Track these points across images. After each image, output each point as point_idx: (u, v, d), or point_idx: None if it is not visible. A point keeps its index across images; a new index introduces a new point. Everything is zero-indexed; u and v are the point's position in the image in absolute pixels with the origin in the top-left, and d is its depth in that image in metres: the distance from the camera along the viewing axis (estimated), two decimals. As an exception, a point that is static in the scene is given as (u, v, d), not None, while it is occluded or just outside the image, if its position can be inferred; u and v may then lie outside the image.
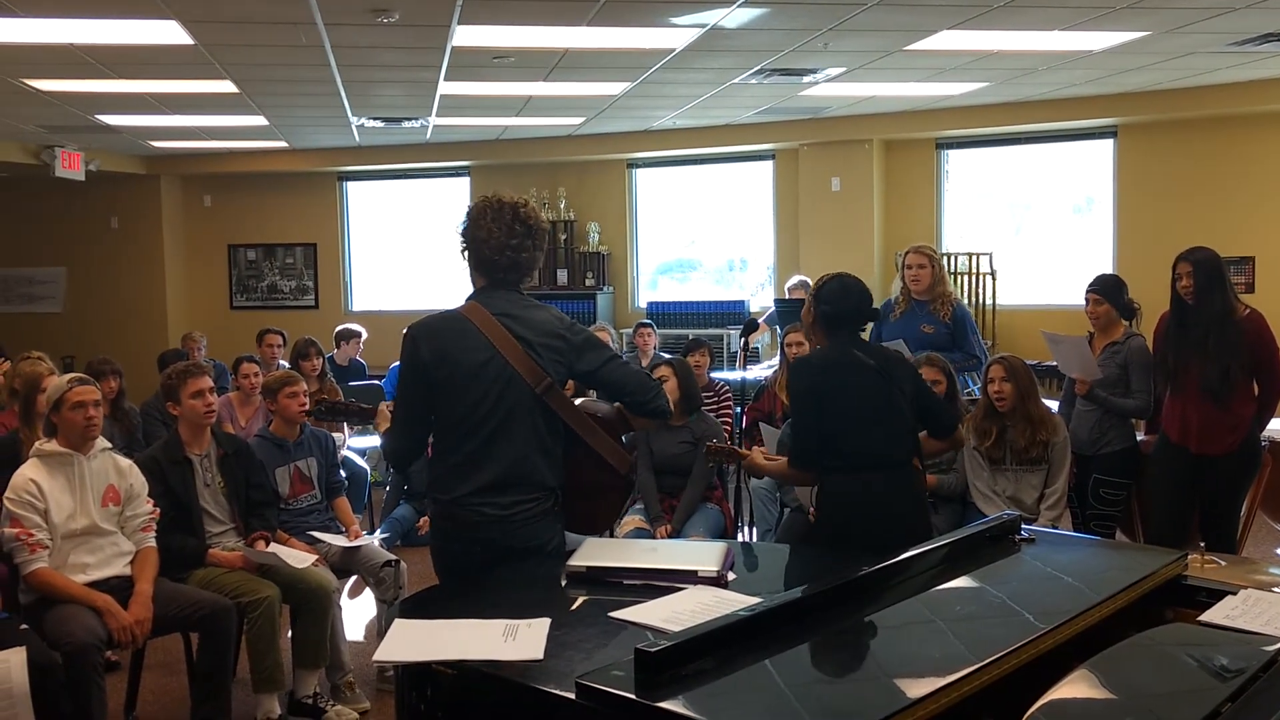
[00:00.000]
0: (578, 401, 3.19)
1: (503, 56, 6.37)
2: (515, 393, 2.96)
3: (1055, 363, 5.39)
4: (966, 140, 9.43)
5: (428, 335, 3.04)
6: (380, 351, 8.78)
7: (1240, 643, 2.21)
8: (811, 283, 3.61)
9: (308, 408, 4.91)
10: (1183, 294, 4.64)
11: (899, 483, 3.48)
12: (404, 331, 3.08)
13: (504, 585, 2.85)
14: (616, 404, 3.19)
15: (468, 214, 3.10)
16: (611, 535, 5.37)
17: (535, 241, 3.08)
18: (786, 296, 8.11)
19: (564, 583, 2.78)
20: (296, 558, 4.26)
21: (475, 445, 2.98)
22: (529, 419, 2.98)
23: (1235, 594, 2.53)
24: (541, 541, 3.02)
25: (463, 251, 3.11)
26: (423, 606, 2.72)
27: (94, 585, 3.83)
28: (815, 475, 3.52)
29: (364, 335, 8.54)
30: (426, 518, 5.94)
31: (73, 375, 4.10)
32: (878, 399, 3.45)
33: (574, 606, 2.64)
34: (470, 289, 3.16)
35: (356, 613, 5.61)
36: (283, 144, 10.31)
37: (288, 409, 4.87)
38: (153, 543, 4.05)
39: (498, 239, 3.02)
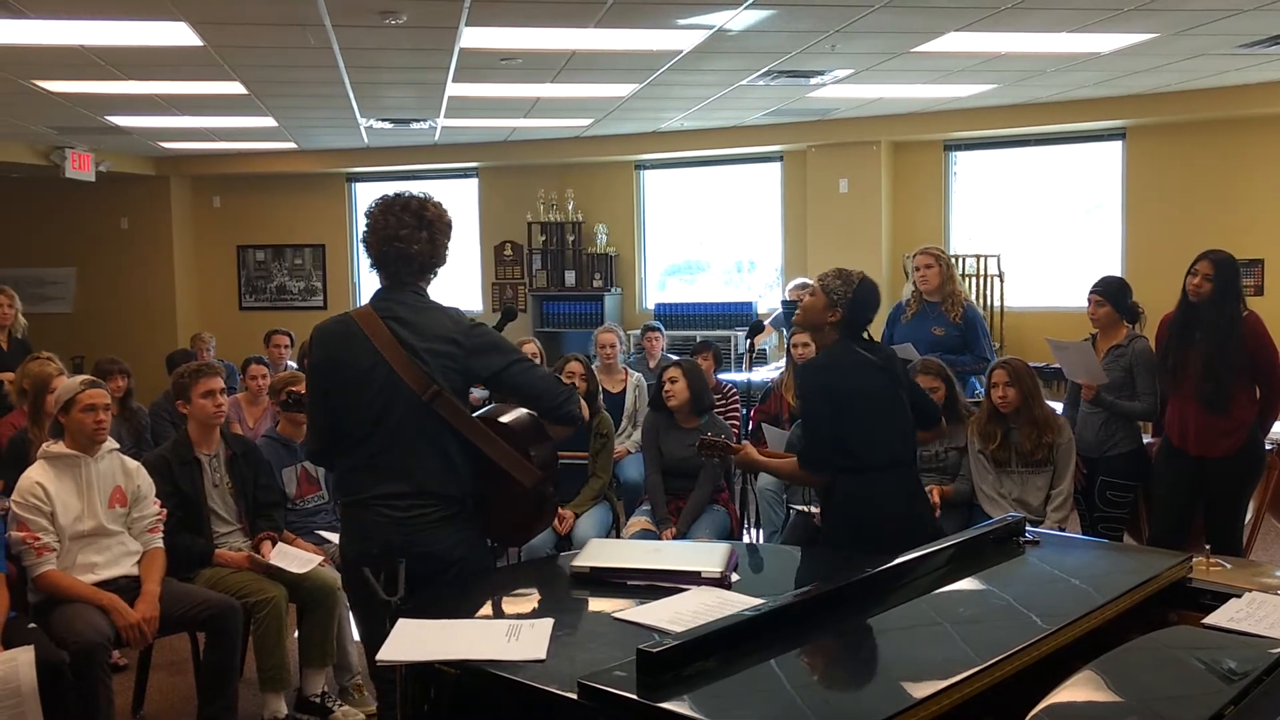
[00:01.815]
0: (485, 409, 3.09)
1: (510, 58, 6.37)
2: (402, 400, 2.87)
3: (1060, 367, 5.38)
4: (974, 142, 9.41)
5: (319, 340, 3.02)
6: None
7: (1245, 645, 2.21)
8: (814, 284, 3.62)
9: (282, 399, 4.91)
10: (1192, 291, 4.61)
11: (908, 482, 3.56)
12: None
13: (506, 586, 2.85)
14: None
15: (365, 214, 3.05)
16: (617, 536, 5.38)
17: (431, 233, 2.96)
18: (787, 298, 8.09)
19: (568, 583, 2.79)
20: (299, 561, 4.25)
21: (369, 451, 2.92)
22: (419, 427, 2.88)
23: (1240, 597, 2.52)
24: (443, 547, 2.90)
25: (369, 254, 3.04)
26: (426, 607, 2.73)
27: (102, 585, 3.85)
28: (826, 477, 3.52)
29: None
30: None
31: (85, 377, 4.12)
32: (886, 399, 3.49)
33: (575, 607, 2.64)
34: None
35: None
36: (291, 145, 10.33)
37: (289, 408, 4.87)
38: (160, 543, 4.07)
39: (383, 231, 2.95)
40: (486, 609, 2.68)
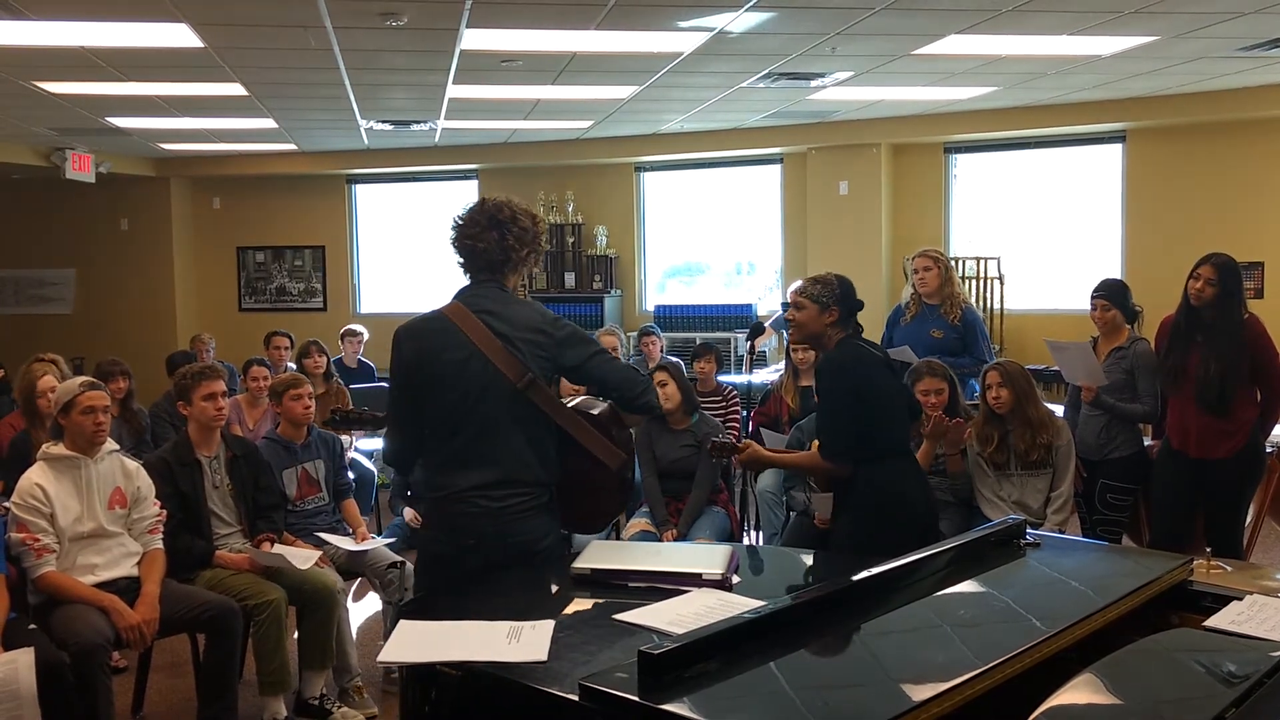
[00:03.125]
0: (576, 400, 3.20)
1: (511, 60, 6.38)
2: (498, 389, 2.97)
3: (1059, 369, 5.37)
4: (975, 144, 9.41)
5: (409, 336, 3.10)
6: (388, 354, 8.77)
7: (1245, 648, 2.21)
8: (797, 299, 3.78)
9: (313, 411, 4.94)
10: (1194, 295, 4.61)
11: (919, 470, 3.82)
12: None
13: (508, 587, 2.85)
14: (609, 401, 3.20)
15: None
16: (618, 538, 5.38)
17: (500, 233, 3.05)
18: (788, 301, 8.08)
19: (569, 585, 2.78)
20: (301, 557, 4.27)
21: (462, 443, 2.99)
22: (515, 415, 2.98)
23: (1241, 599, 2.52)
24: (534, 536, 3.01)
25: None
26: (428, 608, 2.72)
27: (102, 586, 3.84)
28: (847, 467, 3.60)
29: (365, 335, 8.62)
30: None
31: (84, 379, 4.12)
32: (895, 391, 3.72)
33: (576, 608, 2.64)
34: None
35: (362, 616, 5.61)
36: (291, 147, 10.33)
37: (291, 411, 4.88)
38: (160, 545, 4.07)
39: (460, 228, 3.09)
40: (488, 610, 2.67)
